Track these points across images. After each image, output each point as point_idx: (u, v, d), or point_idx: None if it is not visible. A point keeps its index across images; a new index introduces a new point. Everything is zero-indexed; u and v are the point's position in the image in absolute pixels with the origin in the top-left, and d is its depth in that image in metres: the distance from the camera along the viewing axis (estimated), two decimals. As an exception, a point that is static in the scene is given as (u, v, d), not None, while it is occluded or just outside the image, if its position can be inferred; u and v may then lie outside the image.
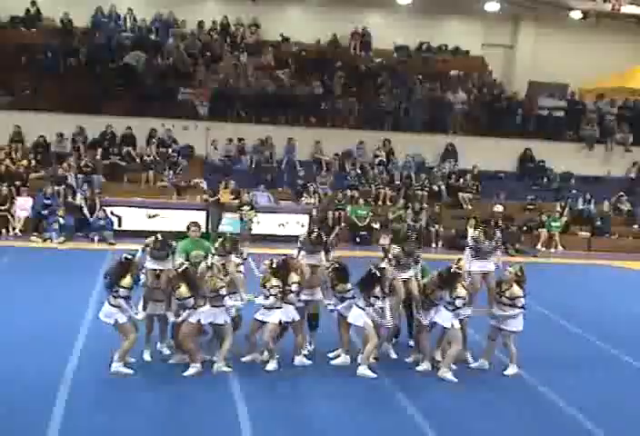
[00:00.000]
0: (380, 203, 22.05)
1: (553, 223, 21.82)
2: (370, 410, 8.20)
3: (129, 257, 8.77)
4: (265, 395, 8.40)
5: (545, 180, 24.66)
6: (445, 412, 8.20)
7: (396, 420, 7.98)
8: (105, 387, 8.36)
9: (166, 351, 9.55)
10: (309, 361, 9.45)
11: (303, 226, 20.35)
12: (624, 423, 8.24)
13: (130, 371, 8.68)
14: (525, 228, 21.85)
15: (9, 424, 7.29)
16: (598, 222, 22.70)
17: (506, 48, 28.64)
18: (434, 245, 20.68)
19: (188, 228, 10.09)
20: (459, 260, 9.77)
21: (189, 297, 8.75)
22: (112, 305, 8.63)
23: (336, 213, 20.78)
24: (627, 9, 25.67)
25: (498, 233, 10.16)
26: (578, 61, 26.41)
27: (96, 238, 18.57)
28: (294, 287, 9.12)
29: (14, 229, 18.98)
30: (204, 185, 20.99)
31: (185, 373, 8.78)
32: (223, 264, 9.21)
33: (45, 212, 18.99)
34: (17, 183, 19.75)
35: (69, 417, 7.52)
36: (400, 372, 9.42)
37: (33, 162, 21.01)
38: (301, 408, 8.15)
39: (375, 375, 9.05)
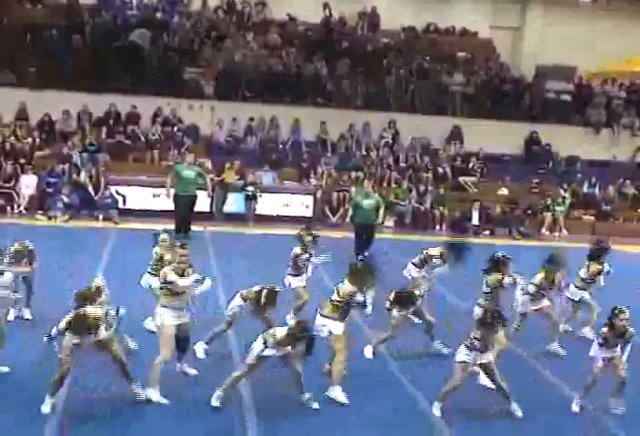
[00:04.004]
0: (385, 184, 22.01)
1: (557, 207, 21.79)
2: (375, 408, 8.15)
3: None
4: (268, 392, 8.22)
5: (551, 164, 24.58)
6: (460, 409, 8.11)
7: (405, 417, 8.02)
8: (106, 382, 8.04)
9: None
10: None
11: (307, 207, 20.40)
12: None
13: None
14: (529, 211, 21.83)
15: (8, 421, 7.26)
16: (603, 206, 22.67)
17: (514, 30, 28.39)
18: (437, 227, 20.69)
19: (184, 154, 14.73)
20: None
21: None
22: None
23: (341, 195, 20.75)
24: (638, -9, 25.42)
25: None
26: (587, 44, 26.12)
27: (101, 216, 18.63)
28: None
29: (19, 206, 19.04)
30: (208, 165, 20.98)
31: None
32: None
33: (50, 190, 19.04)
34: (22, 160, 19.78)
35: (68, 415, 7.47)
36: (410, 368, 9.41)
37: (37, 140, 21.00)
38: (304, 407, 8.03)
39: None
